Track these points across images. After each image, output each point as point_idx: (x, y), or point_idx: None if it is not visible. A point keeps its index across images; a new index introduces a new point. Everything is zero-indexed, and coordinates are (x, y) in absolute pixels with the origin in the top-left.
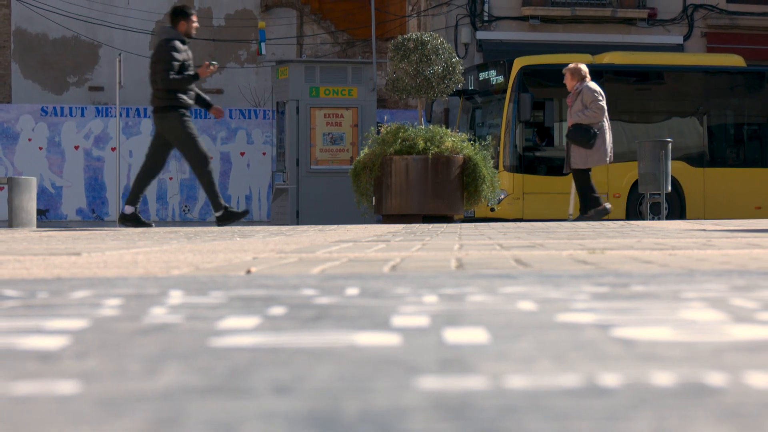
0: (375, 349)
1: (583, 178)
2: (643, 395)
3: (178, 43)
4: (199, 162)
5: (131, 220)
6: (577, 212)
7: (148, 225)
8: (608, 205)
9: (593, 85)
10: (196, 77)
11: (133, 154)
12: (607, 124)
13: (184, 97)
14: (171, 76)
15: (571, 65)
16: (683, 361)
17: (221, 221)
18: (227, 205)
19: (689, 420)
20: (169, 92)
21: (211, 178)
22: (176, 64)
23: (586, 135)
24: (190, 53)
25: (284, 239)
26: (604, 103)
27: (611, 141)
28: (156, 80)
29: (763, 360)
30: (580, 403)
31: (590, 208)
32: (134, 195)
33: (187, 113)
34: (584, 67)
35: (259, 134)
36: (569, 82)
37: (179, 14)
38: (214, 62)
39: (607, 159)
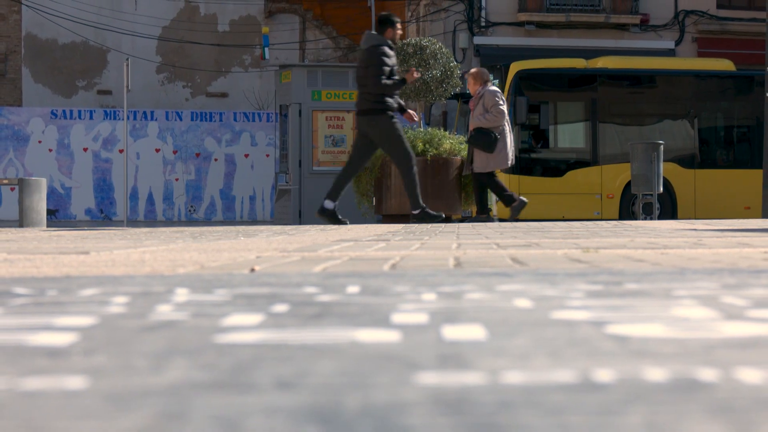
0: (375, 345)
1: (490, 181)
2: (637, 390)
3: (387, 49)
4: (405, 162)
5: (329, 216)
6: (505, 212)
7: (343, 223)
8: (524, 199)
9: (495, 89)
10: (403, 82)
11: (140, 155)
12: (508, 127)
13: (391, 100)
14: (383, 81)
15: (474, 70)
16: (675, 357)
17: (417, 219)
18: (425, 206)
19: (681, 415)
20: (379, 96)
21: (414, 178)
22: (387, 69)
23: (487, 139)
24: (395, 59)
25: (287, 238)
26: (504, 107)
27: (512, 144)
28: (367, 84)
29: (754, 356)
30: (575, 398)
31: (508, 204)
32: (336, 191)
33: (395, 116)
34: (486, 72)
35: (263, 137)
36: (472, 86)
37: (387, 22)
38: (419, 69)
39: (509, 162)
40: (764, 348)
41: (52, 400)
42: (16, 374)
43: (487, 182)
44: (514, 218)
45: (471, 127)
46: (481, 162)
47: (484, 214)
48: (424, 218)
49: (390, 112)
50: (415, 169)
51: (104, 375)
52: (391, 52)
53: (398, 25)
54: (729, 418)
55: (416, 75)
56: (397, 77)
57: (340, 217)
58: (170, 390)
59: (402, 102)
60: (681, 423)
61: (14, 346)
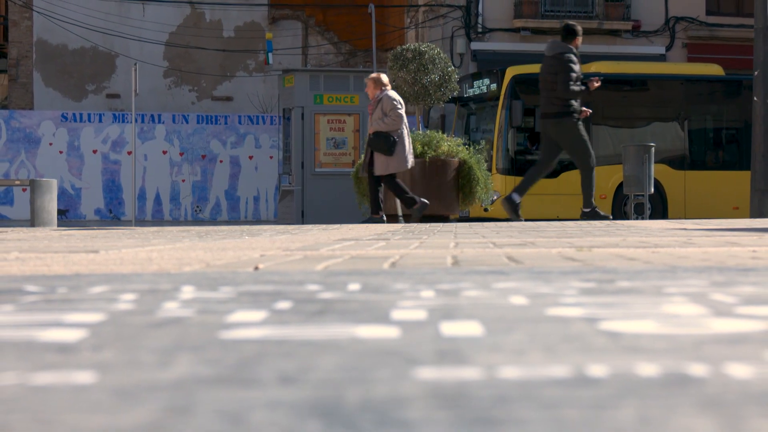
0: (375, 341)
1: (390, 184)
2: (629, 385)
3: (574, 57)
4: (586, 164)
5: (512, 208)
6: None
7: (520, 219)
8: (425, 200)
9: (393, 93)
10: (587, 90)
11: (148, 157)
12: (406, 131)
13: (576, 104)
14: (572, 87)
15: (373, 75)
16: (666, 352)
17: (585, 217)
18: (595, 206)
19: (672, 408)
20: (566, 100)
21: (592, 180)
22: (575, 75)
23: (386, 142)
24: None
25: (290, 238)
26: (402, 112)
27: (410, 147)
28: (554, 89)
29: (742, 351)
30: (569, 393)
31: (409, 207)
32: (524, 186)
33: (580, 120)
34: (385, 77)
35: (267, 139)
36: (371, 90)
37: (572, 31)
38: (600, 77)
39: (407, 164)
40: (752, 344)
41: (62, 395)
42: (27, 369)
43: (387, 184)
44: (417, 219)
45: (370, 131)
46: (381, 165)
47: (377, 214)
48: (593, 216)
49: (575, 116)
50: (594, 172)
51: (112, 370)
52: (576, 59)
53: (579, 35)
54: (719, 411)
55: (597, 84)
56: (581, 85)
57: (519, 212)
58: (176, 385)
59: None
60: (672, 417)
61: (25, 342)
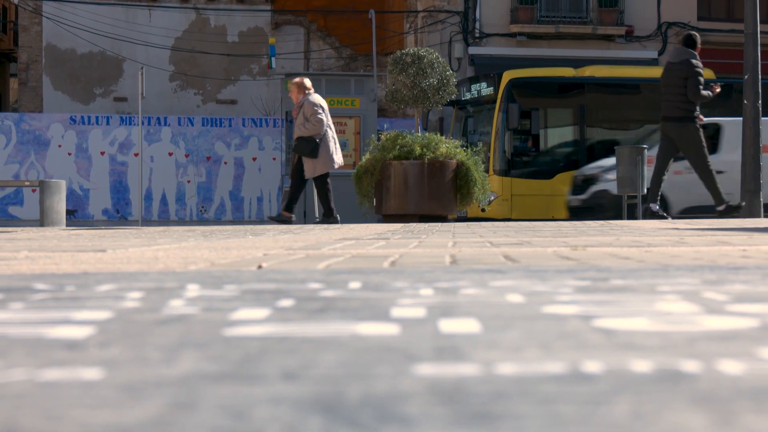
0: (376, 338)
1: (321, 186)
2: (623, 381)
3: (699, 63)
4: (704, 167)
5: (659, 216)
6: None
7: (664, 217)
8: (337, 217)
9: (315, 98)
10: (710, 95)
11: (154, 159)
12: (330, 133)
13: (698, 110)
14: (702, 91)
15: (296, 80)
16: (660, 349)
17: (722, 214)
18: (728, 201)
19: (666, 404)
20: (692, 104)
21: (714, 180)
22: (702, 80)
23: (309, 146)
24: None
25: (292, 237)
26: (323, 116)
27: (336, 148)
28: (680, 93)
29: (734, 348)
30: (565, 389)
31: (326, 215)
32: (653, 193)
33: (700, 125)
34: (308, 82)
35: (270, 141)
36: (294, 95)
37: (695, 39)
38: (720, 82)
39: (334, 165)
40: (743, 340)
41: (70, 391)
42: (35, 366)
43: (317, 186)
44: (314, 223)
45: (294, 136)
46: (310, 168)
47: (332, 217)
48: (730, 212)
49: (697, 121)
50: (713, 173)
51: (119, 366)
52: (701, 65)
53: (700, 44)
54: (711, 407)
55: (718, 89)
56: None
57: (664, 213)
58: (181, 381)
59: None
60: (665, 412)
61: (34, 339)
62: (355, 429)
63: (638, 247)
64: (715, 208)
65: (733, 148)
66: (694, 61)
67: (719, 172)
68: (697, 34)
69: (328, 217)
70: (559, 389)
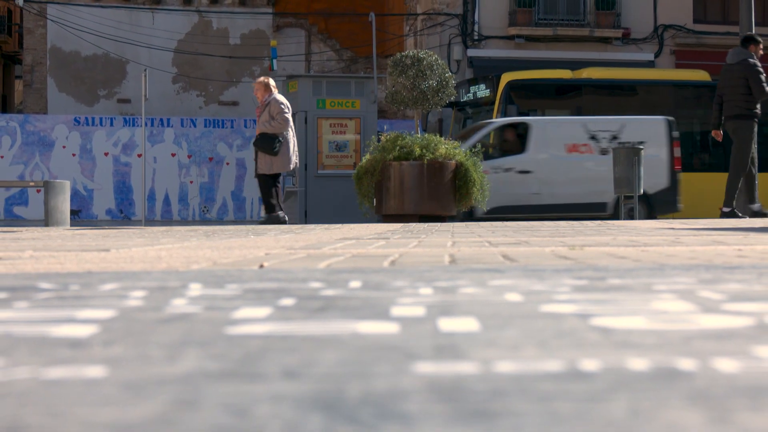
0: (376, 336)
1: (266, 184)
2: (620, 379)
3: (757, 61)
4: (740, 167)
5: (758, 215)
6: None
7: (766, 215)
8: (282, 215)
9: (280, 97)
10: None
11: (157, 160)
12: (291, 133)
13: (758, 108)
14: (766, 88)
15: (261, 79)
16: (656, 347)
17: (724, 215)
18: (734, 208)
19: (663, 401)
20: (751, 102)
21: (738, 183)
22: (763, 77)
23: (271, 143)
24: None
25: (294, 237)
26: (289, 115)
27: (295, 149)
28: (741, 93)
29: (729, 347)
30: (562, 387)
31: (267, 212)
32: (751, 193)
33: (756, 123)
34: (272, 82)
35: None
36: (260, 94)
37: (752, 39)
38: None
39: (291, 166)
40: (739, 339)
41: (74, 388)
42: (39, 364)
43: (263, 183)
44: (258, 223)
45: (257, 132)
46: (265, 164)
47: (274, 214)
48: (730, 216)
49: (756, 119)
50: (745, 172)
51: (122, 364)
52: (759, 63)
53: (761, 45)
54: (707, 404)
55: None
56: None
57: (765, 211)
58: (184, 379)
59: None
60: (662, 410)
61: (38, 337)
62: (356, 427)
63: (635, 246)
64: (721, 208)
65: (541, 148)
66: (751, 60)
67: (526, 172)
68: (756, 35)
69: (270, 214)
70: (556, 387)
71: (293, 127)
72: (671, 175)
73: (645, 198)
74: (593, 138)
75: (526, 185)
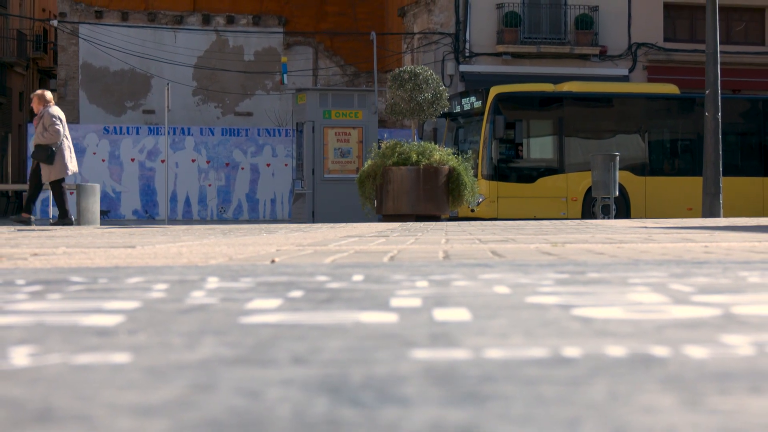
0: (376, 325)
1: (56, 190)
2: (600, 365)
3: None
4: None
5: None
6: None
7: None
8: (73, 218)
9: (54, 110)
10: None
11: (179, 165)
12: (67, 143)
13: None
14: None
15: (38, 92)
16: (632, 336)
17: None
18: None
19: (638, 385)
20: None
21: None
22: None
23: (45, 153)
24: None
25: (302, 235)
26: (60, 127)
27: (71, 157)
28: None
29: (699, 335)
30: (547, 372)
31: (61, 216)
32: None
33: None
34: (48, 94)
35: (282, 149)
36: (36, 106)
37: None
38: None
39: (68, 172)
40: (707, 328)
41: (100, 373)
42: (70, 351)
43: (53, 190)
44: (51, 223)
45: (33, 143)
46: (46, 173)
47: (66, 218)
48: None
49: None
50: None
51: (145, 351)
52: None
53: None
54: (679, 388)
55: None
56: None
57: None
58: (201, 364)
59: None
60: (638, 392)
61: (69, 326)
62: (358, 409)
63: (611, 243)
64: None
65: None
66: None
67: None
68: None
69: (62, 219)
70: (541, 372)
71: (68, 137)
72: None
73: None
74: None
75: None
